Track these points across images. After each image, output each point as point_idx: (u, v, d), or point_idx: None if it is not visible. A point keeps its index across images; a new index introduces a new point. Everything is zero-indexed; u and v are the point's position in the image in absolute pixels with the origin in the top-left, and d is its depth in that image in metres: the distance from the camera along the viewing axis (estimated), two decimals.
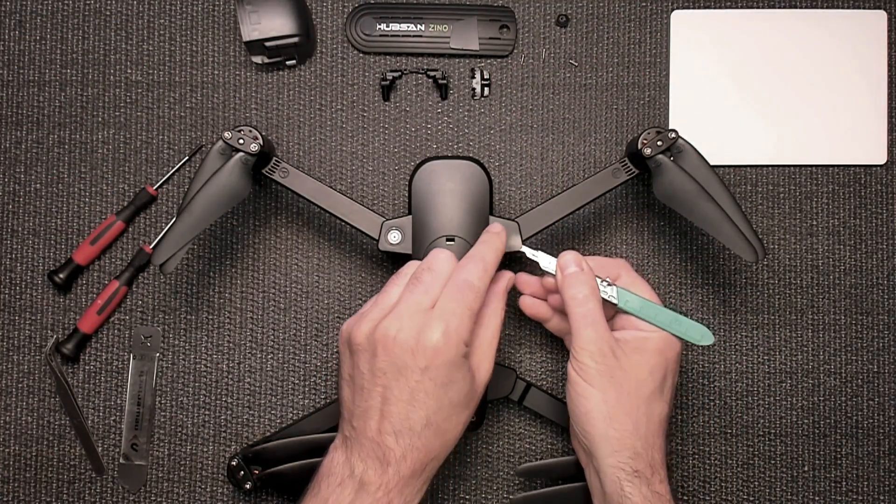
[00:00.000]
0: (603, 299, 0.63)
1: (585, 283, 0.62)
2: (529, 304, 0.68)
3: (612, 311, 0.65)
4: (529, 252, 0.65)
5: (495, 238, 0.63)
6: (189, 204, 0.65)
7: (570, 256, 0.63)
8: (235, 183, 0.65)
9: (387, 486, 0.56)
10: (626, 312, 0.64)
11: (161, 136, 0.73)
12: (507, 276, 0.64)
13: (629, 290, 0.64)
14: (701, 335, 0.63)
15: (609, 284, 0.63)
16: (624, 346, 0.62)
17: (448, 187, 0.65)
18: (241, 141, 0.65)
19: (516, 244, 0.66)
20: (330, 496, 0.57)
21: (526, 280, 0.67)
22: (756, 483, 0.73)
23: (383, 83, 0.73)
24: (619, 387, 0.60)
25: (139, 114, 0.73)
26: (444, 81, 0.73)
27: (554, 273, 0.64)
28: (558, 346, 0.73)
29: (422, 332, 0.57)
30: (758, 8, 0.74)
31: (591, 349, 0.61)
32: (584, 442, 0.62)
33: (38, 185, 0.73)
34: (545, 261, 0.64)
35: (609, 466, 0.60)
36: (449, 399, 0.58)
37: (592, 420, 0.60)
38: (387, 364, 0.57)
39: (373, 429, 0.57)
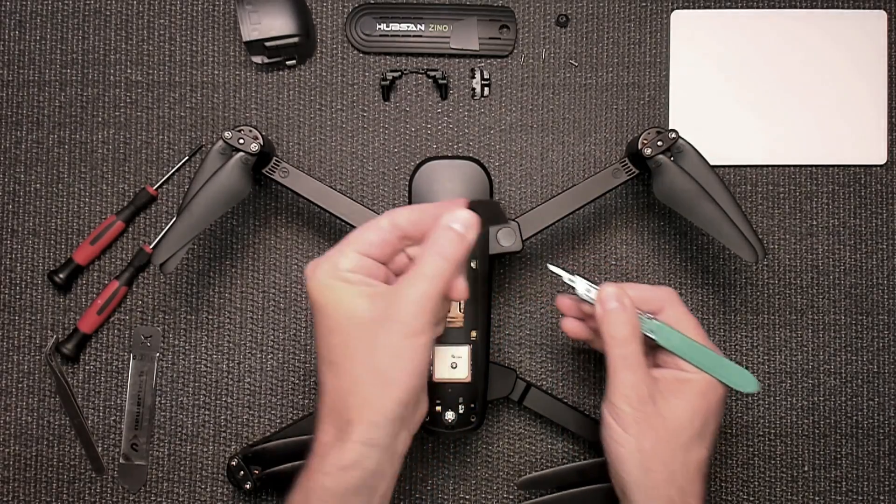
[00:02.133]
0: (643, 334, 0.59)
1: (626, 322, 0.59)
2: (571, 328, 0.64)
3: (653, 344, 0.61)
4: (566, 276, 0.61)
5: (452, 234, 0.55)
6: (189, 204, 0.65)
7: (611, 290, 0.59)
8: (235, 183, 0.65)
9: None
10: (666, 350, 0.60)
11: (161, 136, 0.73)
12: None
13: (671, 327, 0.60)
14: (745, 381, 0.60)
15: (650, 318, 0.60)
16: (663, 388, 0.59)
17: (448, 187, 0.65)
18: (242, 141, 0.65)
19: (516, 245, 0.66)
20: None
21: (567, 304, 0.64)
22: (756, 483, 0.73)
23: (383, 83, 0.73)
24: (655, 434, 0.57)
25: (139, 114, 0.73)
26: (444, 81, 0.73)
27: (592, 302, 0.60)
28: (558, 346, 0.73)
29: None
30: (758, 8, 0.74)
31: (627, 393, 0.58)
32: (618, 484, 0.60)
33: (38, 185, 0.73)
34: (583, 288, 0.61)
35: None
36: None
37: (627, 467, 0.58)
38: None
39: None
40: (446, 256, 0.53)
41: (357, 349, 0.52)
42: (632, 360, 0.58)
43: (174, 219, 0.69)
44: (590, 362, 0.73)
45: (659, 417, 0.58)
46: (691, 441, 0.58)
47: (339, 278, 0.53)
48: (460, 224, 0.54)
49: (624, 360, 0.58)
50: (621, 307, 0.59)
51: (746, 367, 0.73)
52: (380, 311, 0.52)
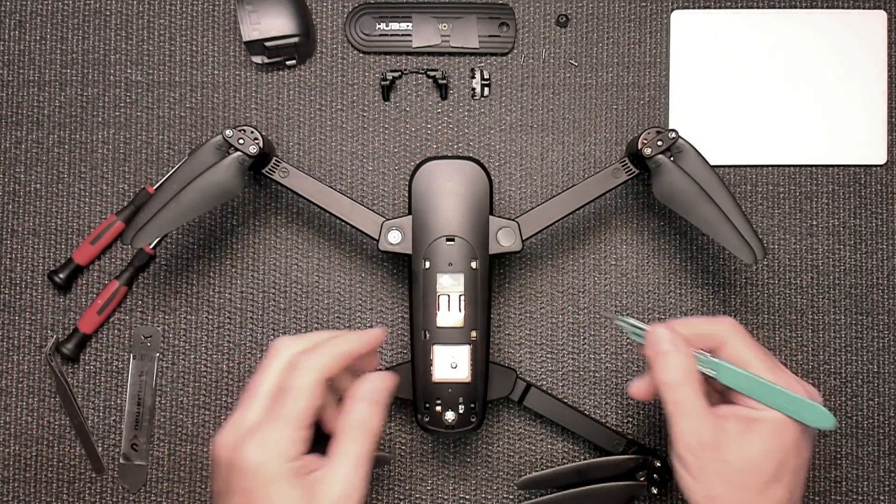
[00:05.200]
0: (703, 373, 0.56)
1: (679, 365, 0.55)
2: (637, 391, 0.60)
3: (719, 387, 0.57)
4: (618, 320, 0.59)
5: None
6: (178, 195, 0.64)
7: (661, 332, 0.56)
8: (230, 181, 0.65)
9: None
10: (730, 389, 0.56)
11: (161, 136, 0.73)
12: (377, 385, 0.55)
13: (731, 365, 0.55)
14: (818, 417, 0.54)
15: (708, 357, 0.56)
16: (731, 430, 0.54)
17: (448, 187, 0.65)
18: (241, 141, 0.65)
19: (516, 245, 0.66)
20: None
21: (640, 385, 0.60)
22: None
23: (383, 83, 0.73)
24: (725, 481, 0.54)
25: (139, 114, 0.74)
26: (444, 81, 0.73)
27: (644, 344, 0.57)
28: (558, 346, 0.73)
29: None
30: (758, 8, 0.74)
31: (687, 441, 0.54)
32: None
33: (38, 185, 0.73)
34: (632, 330, 0.58)
35: None
36: None
37: None
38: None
39: None
40: (365, 430, 0.52)
41: None
42: (687, 405, 0.55)
43: (152, 198, 0.67)
44: (590, 362, 0.73)
45: (725, 463, 0.54)
46: (766, 484, 0.54)
47: (277, 470, 0.50)
48: (368, 395, 0.54)
49: (677, 406, 0.55)
50: (673, 349, 0.55)
51: None
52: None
